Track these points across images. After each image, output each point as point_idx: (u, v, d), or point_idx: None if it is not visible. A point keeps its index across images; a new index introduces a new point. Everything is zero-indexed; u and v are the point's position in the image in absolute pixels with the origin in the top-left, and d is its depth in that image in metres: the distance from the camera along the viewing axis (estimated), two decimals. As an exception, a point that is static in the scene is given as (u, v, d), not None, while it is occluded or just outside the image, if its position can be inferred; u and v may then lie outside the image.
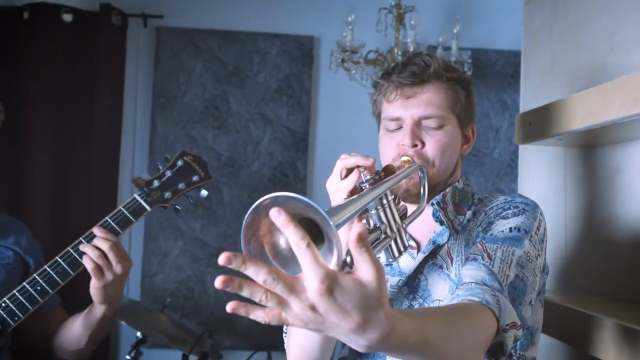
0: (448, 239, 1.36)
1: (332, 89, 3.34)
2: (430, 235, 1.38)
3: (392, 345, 0.83)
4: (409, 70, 1.35)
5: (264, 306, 0.78)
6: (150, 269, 3.14)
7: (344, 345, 1.43)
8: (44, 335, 1.78)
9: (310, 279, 0.75)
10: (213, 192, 3.21)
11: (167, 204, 1.71)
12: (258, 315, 0.78)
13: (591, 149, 1.80)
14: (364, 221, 1.15)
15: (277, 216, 0.74)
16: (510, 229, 1.28)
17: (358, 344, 0.81)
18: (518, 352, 1.35)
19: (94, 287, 1.60)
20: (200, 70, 3.25)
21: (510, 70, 3.37)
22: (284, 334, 1.42)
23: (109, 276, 1.58)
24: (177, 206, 1.74)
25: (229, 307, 0.76)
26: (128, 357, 2.69)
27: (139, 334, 2.69)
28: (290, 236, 0.75)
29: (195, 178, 1.73)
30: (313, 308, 0.76)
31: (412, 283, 1.36)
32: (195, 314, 3.14)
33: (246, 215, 0.81)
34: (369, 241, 0.79)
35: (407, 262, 1.38)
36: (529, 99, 2.02)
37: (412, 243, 1.40)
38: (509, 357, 1.34)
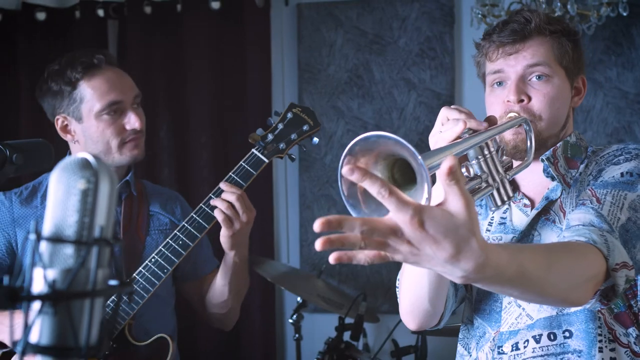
0: (561, 194, 1.33)
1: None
2: (543, 193, 1.36)
3: (488, 276, 0.85)
4: (509, 28, 1.34)
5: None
6: (307, 238, 3.29)
7: (459, 302, 1.47)
8: (200, 298, 1.97)
9: (401, 218, 0.79)
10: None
11: (282, 154, 1.85)
12: (360, 259, 0.84)
13: None
14: (464, 169, 1.16)
15: (350, 174, 0.78)
16: (622, 174, 1.24)
17: (454, 274, 0.84)
18: (639, 302, 1.31)
19: (224, 235, 1.79)
20: (342, 41, 3.31)
21: (679, 7, 3.03)
22: (396, 288, 1.48)
23: (236, 225, 1.77)
24: (292, 155, 1.88)
25: (332, 258, 0.82)
26: (291, 320, 2.88)
27: (299, 298, 2.86)
28: (370, 188, 0.78)
29: (305, 127, 1.85)
30: (409, 242, 0.81)
31: (526, 239, 1.36)
32: (351, 280, 3.25)
33: (341, 160, 0.86)
34: (465, 185, 0.82)
35: (521, 220, 1.38)
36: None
37: (526, 201, 1.39)
38: (629, 307, 1.31)
